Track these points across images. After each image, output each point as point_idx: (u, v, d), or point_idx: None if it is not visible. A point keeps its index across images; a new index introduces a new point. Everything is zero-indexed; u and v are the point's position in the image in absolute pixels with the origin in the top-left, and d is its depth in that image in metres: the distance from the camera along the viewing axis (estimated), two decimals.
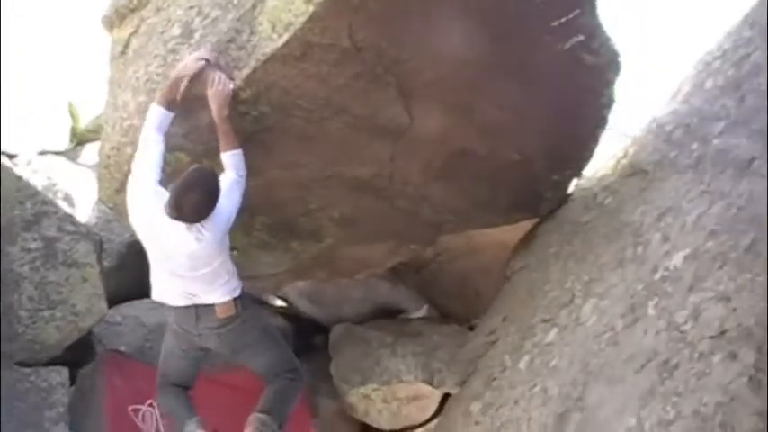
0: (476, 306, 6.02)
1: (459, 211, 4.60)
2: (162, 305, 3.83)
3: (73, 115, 7.82)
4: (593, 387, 2.83)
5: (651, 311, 2.75)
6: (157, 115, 3.48)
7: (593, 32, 3.80)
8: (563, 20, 3.58)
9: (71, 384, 4.75)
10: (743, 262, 2.36)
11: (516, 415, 3.37)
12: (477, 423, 3.76)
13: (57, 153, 7.38)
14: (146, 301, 5.55)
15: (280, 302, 6.71)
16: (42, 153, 7.21)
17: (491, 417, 3.65)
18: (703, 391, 2.09)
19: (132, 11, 4.32)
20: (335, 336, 6.02)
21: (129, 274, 5.82)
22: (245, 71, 3.42)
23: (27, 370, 4.56)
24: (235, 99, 3.46)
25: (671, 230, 3.08)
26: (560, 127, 4.23)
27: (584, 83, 4.04)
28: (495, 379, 4.00)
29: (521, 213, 4.84)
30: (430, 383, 5.36)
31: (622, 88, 4.29)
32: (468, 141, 4.08)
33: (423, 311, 6.66)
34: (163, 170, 3.51)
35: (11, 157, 6.75)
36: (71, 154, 7.49)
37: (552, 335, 3.61)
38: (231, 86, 3.44)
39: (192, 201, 3.33)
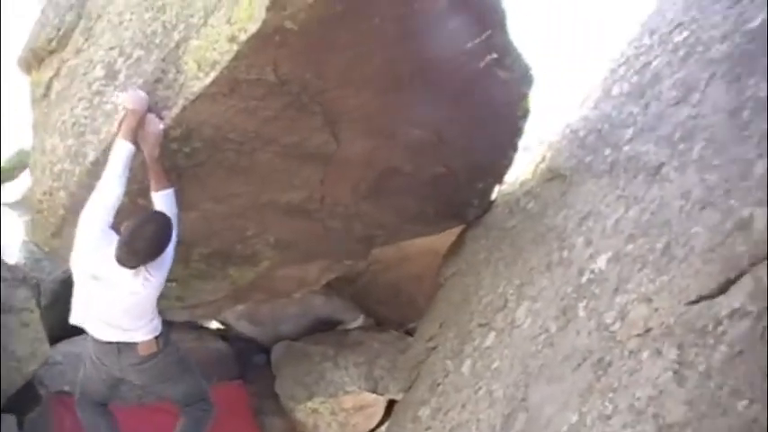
0: (410, 311, 6.20)
1: (389, 226, 4.75)
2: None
3: None
4: (534, 387, 3.00)
5: (581, 313, 2.95)
6: (125, 151, 3.41)
7: (506, 50, 4.00)
8: (476, 41, 3.76)
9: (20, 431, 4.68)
10: (660, 264, 2.58)
11: (465, 418, 3.50)
12: (428, 428, 3.88)
13: None
14: (84, 336, 5.52)
15: (218, 325, 6.72)
16: None
17: (441, 421, 3.78)
18: (635, 386, 2.28)
19: (51, 53, 4.31)
20: (277, 354, 6.10)
21: (63, 311, 5.67)
22: (175, 110, 3.46)
23: None
24: (166, 137, 3.50)
25: (593, 234, 3.28)
26: (481, 139, 4.42)
27: (500, 97, 4.23)
28: (439, 384, 4.13)
29: (449, 222, 5.03)
30: (374, 391, 5.52)
31: (536, 98, 4.53)
32: (393, 161, 4.23)
33: (359, 321, 6.78)
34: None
35: None
36: None
37: (491, 339, 3.78)
38: (161, 126, 3.47)
39: (145, 244, 3.35)
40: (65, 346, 5.57)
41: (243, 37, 3.16)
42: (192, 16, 3.47)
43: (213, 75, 3.32)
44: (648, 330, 2.42)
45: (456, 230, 5.16)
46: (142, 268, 3.43)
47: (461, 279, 4.74)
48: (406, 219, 4.75)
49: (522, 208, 4.49)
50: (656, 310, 2.44)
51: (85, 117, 3.83)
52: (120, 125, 3.49)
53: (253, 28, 3.12)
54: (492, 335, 3.80)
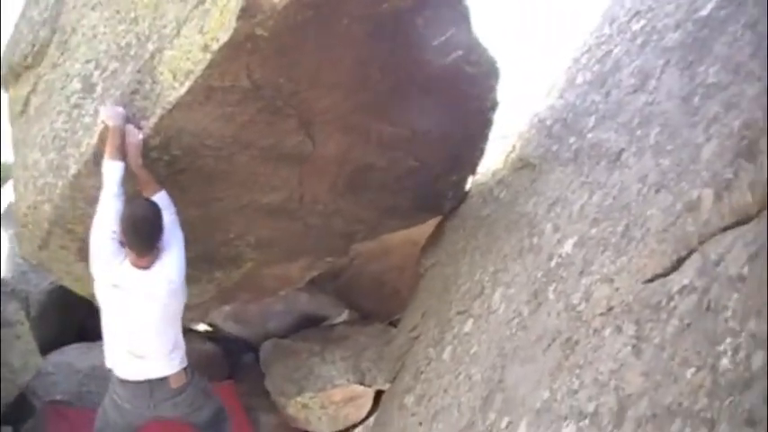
0: (394, 303, 6.33)
1: (368, 221, 4.89)
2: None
3: None
4: (510, 369, 3.12)
5: (551, 296, 3.08)
6: (115, 169, 3.54)
7: (471, 46, 4.13)
8: (442, 39, 3.88)
9: None
10: (620, 246, 2.72)
11: (447, 402, 3.63)
12: (413, 414, 4.01)
13: None
14: (74, 346, 5.63)
15: (205, 327, 6.82)
16: None
17: (425, 407, 3.91)
18: (599, 361, 2.42)
19: (27, 68, 4.37)
20: (265, 353, 6.20)
21: (52, 321, 5.85)
22: (153, 120, 3.56)
23: None
24: (146, 146, 3.60)
25: (560, 220, 3.42)
26: (452, 132, 4.56)
27: (468, 91, 4.37)
28: (422, 372, 4.25)
29: (426, 214, 5.18)
30: (362, 383, 5.63)
31: (504, 89, 4.66)
32: (368, 157, 4.35)
33: (344, 316, 6.91)
34: None
35: None
36: None
37: (469, 325, 3.91)
38: (141, 136, 3.57)
39: (141, 218, 3.50)
40: (55, 357, 5.64)
41: (215, 46, 3.25)
42: (164, 27, 3.56)
43: (188, 84, 3.41)
44: (611, 309, 2.56)
45: (434, 221, 5.30)
46: (155, 267, 3.54)
47: (441, 269, 4.87)
48: (383, 213, 4.89)
49: (495, 197, 4.62)
50: (617, 289, 2.58)
51: (65, 131, 3.91)
52: (103, 143, 3.58)
53: (224, 36, 3.21)
54: (470, 321, 3.92)
